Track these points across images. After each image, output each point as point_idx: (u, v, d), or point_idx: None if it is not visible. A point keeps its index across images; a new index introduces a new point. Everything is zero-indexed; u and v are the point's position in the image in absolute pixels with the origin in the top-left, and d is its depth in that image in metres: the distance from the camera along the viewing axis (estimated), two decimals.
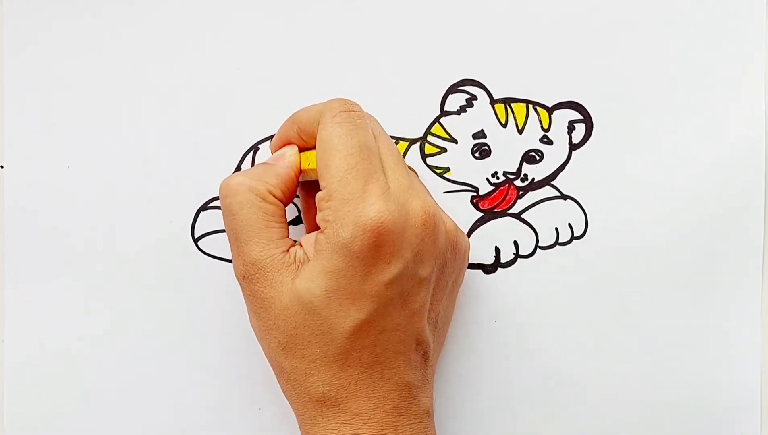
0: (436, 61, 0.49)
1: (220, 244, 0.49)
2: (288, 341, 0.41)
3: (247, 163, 0.49)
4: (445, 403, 0.49)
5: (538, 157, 0.49)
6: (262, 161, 0.45)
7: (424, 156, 0.49)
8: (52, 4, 0.49)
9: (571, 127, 0.49)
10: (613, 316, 0.49)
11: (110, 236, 0.49)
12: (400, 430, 0.41)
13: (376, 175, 0.41)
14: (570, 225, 0.49)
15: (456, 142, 0.49)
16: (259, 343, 0.44)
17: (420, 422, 0.42)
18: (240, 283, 0.43)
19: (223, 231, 0.49)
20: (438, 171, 0.49)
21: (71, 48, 0.49)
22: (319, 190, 0.42)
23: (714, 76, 0.48)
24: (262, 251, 0.41)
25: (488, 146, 0.49)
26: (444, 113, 0.49)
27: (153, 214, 0.49)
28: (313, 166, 0.43)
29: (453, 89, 0.49)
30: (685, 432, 0.49)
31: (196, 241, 0.49)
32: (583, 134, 0.49)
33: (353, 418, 0.41)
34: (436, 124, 0.49)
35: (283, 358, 0.42)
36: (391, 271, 0.40)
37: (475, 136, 0.49)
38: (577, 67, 0.49)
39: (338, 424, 0.41)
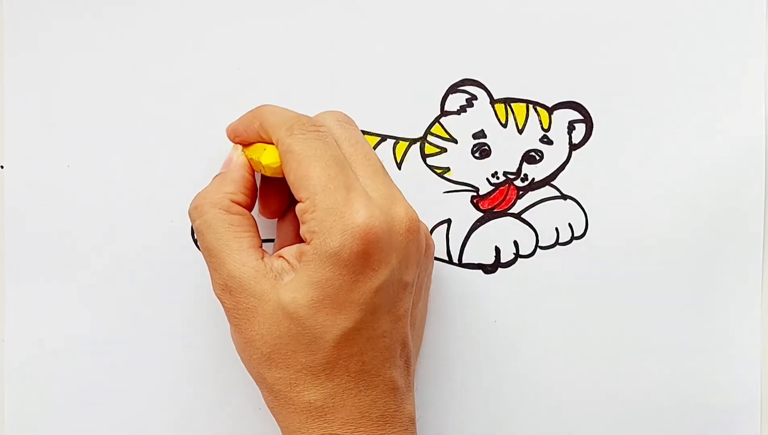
0: (436, 61, 0.49)
1: None
2: (271, 351, 0.41)
3: None
4: (446, 404, 0.49)
5: (538, 157, 0.49)
6: (218, 173, 0.45)
7: (424, 156, 0.49)
8: (52, 4, 0.49)
9: (571, 127, 0.49)
10: (613, 316, 0.49)
11: (110, 236, 0.49)
12: None
13: (355, 184, 0.41)
14: (570, 225, 0.49)
15: (456, 142, 0.49)
16: (241, 358, 0.43)
17: (405, 429, 0.42)
18: (220, 300, 0.42)
19: None
20: (438, 171, 0.49)
21: (71, 48, 0.49)
22: (270, 181, 0.43)
23: (714, 76, 0.48)
24: (235, 262, 0.41)
25: (488, 146, 0.49)
26: (444, 113, 0.49)
27: (153, 214, 0.49)
28: (269, 162, 0.43)
29: (453, 89, 0.49)
30: (685, 432, 0.49)
31: (196, 241, 0.49)
32: (583, 134, 0.49)
33: (340, 427, 0.41)
34: (436, 124, 0.49)
35: (266, 369, 0.41)
36: (379, 277, 0.40)
37: (475, 136, 0.49)
38: (577, 67, 0.49)
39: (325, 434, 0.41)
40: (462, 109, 0.49)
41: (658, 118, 0.49)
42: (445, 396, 0.49)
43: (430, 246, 0.45)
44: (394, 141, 0.49)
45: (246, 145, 0.45)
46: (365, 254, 0.40)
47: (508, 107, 0.49)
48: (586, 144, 0.49)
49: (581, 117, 0.49)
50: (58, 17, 0.49)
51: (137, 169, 0.49)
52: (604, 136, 0.49)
